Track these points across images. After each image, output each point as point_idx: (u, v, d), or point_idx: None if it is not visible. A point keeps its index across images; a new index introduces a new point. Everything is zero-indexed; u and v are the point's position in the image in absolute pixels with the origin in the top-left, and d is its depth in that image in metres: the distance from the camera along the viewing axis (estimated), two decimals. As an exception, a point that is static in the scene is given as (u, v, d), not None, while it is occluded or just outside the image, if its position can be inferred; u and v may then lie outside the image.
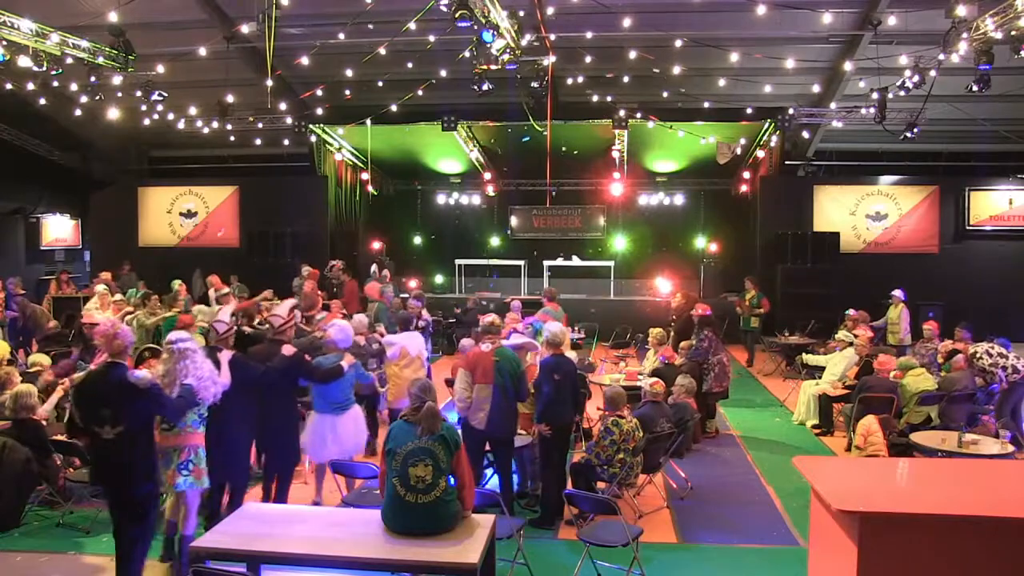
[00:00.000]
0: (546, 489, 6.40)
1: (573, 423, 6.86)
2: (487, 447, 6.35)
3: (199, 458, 5.18)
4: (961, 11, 9.76)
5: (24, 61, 10.85)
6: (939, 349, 9.86)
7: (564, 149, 17.47)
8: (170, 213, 18.61)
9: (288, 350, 6.12)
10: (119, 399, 4.49)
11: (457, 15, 8.73)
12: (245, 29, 12.19)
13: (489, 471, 6.69)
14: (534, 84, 12.98)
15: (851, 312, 11.34)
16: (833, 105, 15.03)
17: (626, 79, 14.44)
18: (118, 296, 11.55)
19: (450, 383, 9.04)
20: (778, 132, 15.91)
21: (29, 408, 6.43)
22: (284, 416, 6.11)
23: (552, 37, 12.61)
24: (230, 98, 14.49)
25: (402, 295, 12.82)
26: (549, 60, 12.86)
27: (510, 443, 6.36)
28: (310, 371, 6.14)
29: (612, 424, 6.33)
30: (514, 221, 21.49)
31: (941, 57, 11.06)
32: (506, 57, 10.80)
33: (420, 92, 14.10)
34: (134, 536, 4.63)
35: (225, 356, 5.56)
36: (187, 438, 5.15)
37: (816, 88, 15.24)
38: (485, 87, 12.23)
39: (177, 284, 11.54)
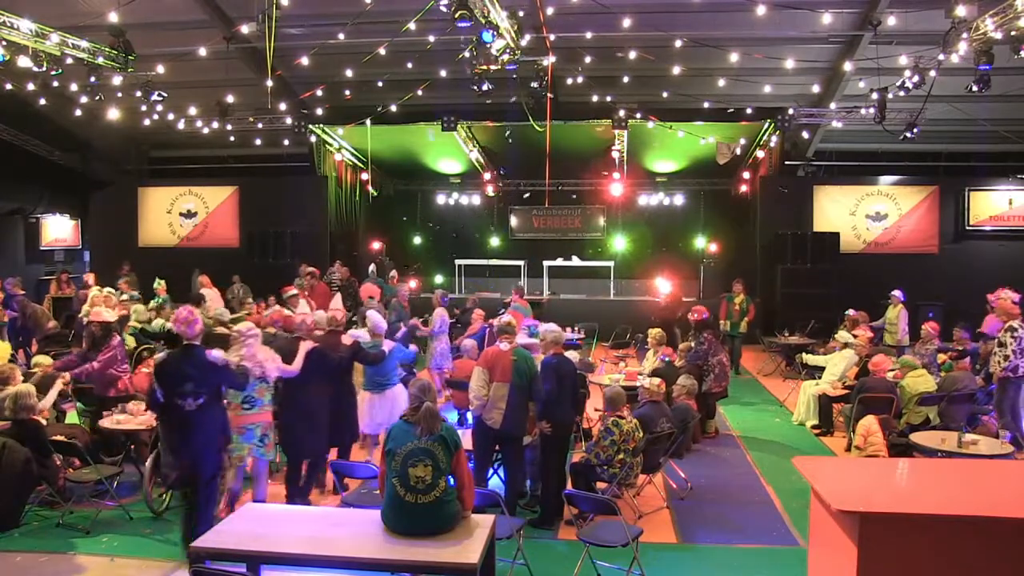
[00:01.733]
0: (546, 489, 6.41)
1: (573, 423, 6.86)
2: (497, 446, 6.37)
3: (270, 435, 6.16)
4: (961, 11, 9.77)
5: (24, 61, 10.84)
6: (941, 354, 9.85)
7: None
8: (170, 213, 18.62)
9: (348, 340, 7.15)
10: (200, 374, 5.24)
11: (457, 15, 8.73)
12: (245, 29, 12.19)
13: (489, 471, 6.70)
14: (534, 84, 12.98)
15: (851, 312, 11.33)
16: (833, 105, 15.02)
17: (626, 79, 14.44)
18: (124, 296, 11.56)
19: (450, 384, 9.07)
20: (778, 132, 15.91)
21: (29, 408, 6.42)
22: (349, 396, 7.16)
23: (552, 37, 12.60)
24: (230, 98, 14.49)
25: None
26: (549, 60, 12.86)
27: (519, 440, 6.38)
28: (365, 356, 7.13)
29: (612, 424, 6.34)
30: (514, 221, 21.49)
31: (941, 57, 11.06)
32: (506, 57, 10.81)
33: (420, 92, 14.10)
34: (208, 492, 5.38)
35: (305, 346, 6.50)
36: (262, 417, 6.11)
37: (816, 88, 15.23)
38: (485, 87, 12.23)
39: (157, 284, 11.67)
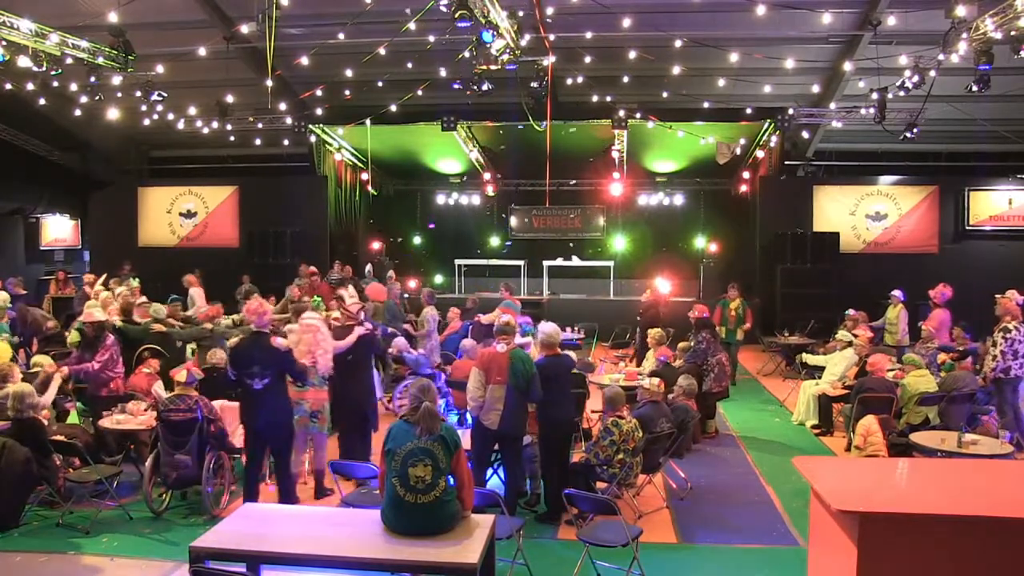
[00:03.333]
0: (551, 485, 6.40)
1: (570, 422, 6.83)
2: (496, 446, 6.38)
3: (325, 410, 6.93)
4: (961, 11, 9.76)
5: (24, 61, 10.83)
6: (942, 354, 9.84)
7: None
8: (170, 213, 18.62)
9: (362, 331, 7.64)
10: (265, 358, 6.02)
11: (457, 15, 8.73)
12: (245, 29, 12.20)
13: (488, 471, 6.70)
14: (534, 84, 12.98)
15: (851, 312, 11.33)
16: (833, 105, 15.03)
17: (626, 79, 14.44)
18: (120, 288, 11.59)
19: (450, 384, 9.07)
20: (778, 132, 15.91)
21: (28, 408, 6.41)
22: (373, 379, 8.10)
23: (552, 37, 12.60)
24: (230, 98, 14.48)
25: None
26: (549, 60, 12.86)
27: (519, 440, 6.38)
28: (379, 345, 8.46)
29: (612, 424, 6.34)
30: (514, 221, 21.49)
31: (941, 57, 11.05)
32: (506, 57, 10.81)
33: (420, 92, 14.10)
34: (283, 457, 6.23)
35: (358, 331, 7.38)
36: (317, 394, 6.84)
37: (816, 88, 15.24)
38: (485, 87, 12.23)
39: (135, 282, 11.76)
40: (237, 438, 7.07)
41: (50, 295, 14.07)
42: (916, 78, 11.81)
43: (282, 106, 15.63)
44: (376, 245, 19.10)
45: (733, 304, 12.30)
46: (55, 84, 12.92)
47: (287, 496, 6.23)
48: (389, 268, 16.83)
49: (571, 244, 20.52)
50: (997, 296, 8.46)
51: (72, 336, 9.53)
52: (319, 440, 6.94)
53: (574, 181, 20.36)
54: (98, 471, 6.51)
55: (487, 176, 20.15)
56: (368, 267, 16.74)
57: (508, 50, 10.71)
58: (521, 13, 11.50)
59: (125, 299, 9.40)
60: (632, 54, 12.90)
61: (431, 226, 21.91)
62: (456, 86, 12.55)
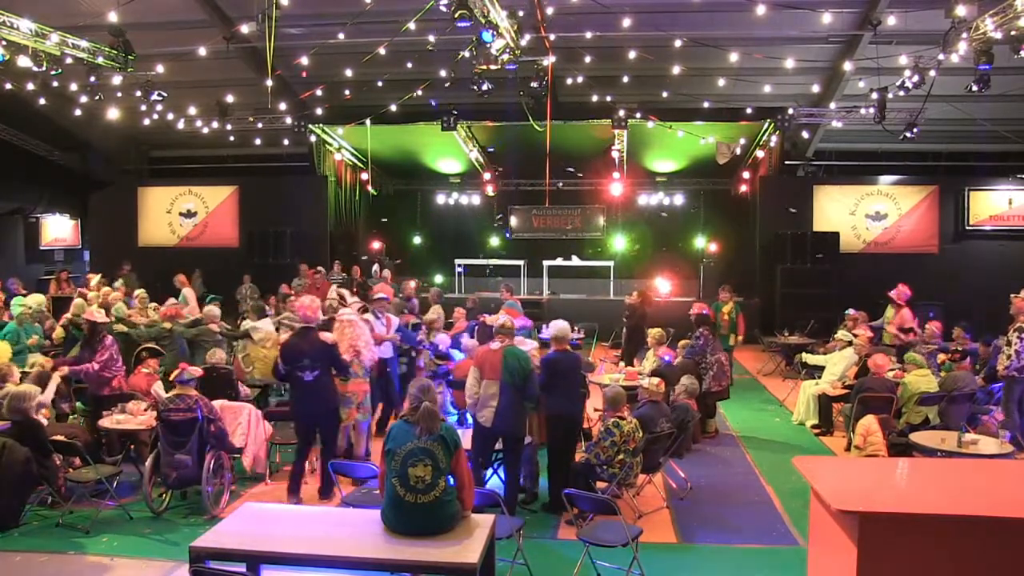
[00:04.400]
0: (554, 480, 6.46)
1: (575, 416, 6.85)
2: (497, 445, 6.40)
3: (367, 400, 7.45)
4: (961, 11, 9.76)
5: (24, 61, 10.84)
6: (942, 354, 9.85)
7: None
8: (170, 213, 18.62)
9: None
10: (314, 351, 6.51)
11: (457, 15, 8.73)
12: (245, 29, 12.19)
13: (488, 471, 6.71)
14: (534, 84, 12.98)
15: (850, 312, 11.33)
16: (833, 105, 15.03)
17: (626, 79, 14.44)
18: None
19: (451, 384, 9.08)
20: (778, 132, 15.92)
21: (27, 408, 6.41)
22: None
23: (552, 37, 12.60)
24: (230, 98, 14.49)
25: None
26: (549, 60, 12.86)
27: (520, 440, 6.39)
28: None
29: (613, 425, 6.34)
30: (514, 221, 21.48)
31: (941, 57, 11.06)
32: (506, 57, 10.81)
33: (420, 92, 14.10)
34: (331, 445, 6.74)
35: (395, 322, 8.42)
36: (360, 386, 7.34)
37: (816, 88, 15.24)
38: (485, 87, 12.22)
39: (119, 283, 11.86)
40: (237, 438, 7.08)
41: (50, 295, 14.06)
42: (916, 78, 11.81)
43: (282, 106, 15.64)
44: (376, 245, 19.10)
45: (726, 308, 11.32)
46: (55, 84, 12.93)
47: (330, 483, 6.56)
48: (384, 268, 16.82)
49: (569, 244, 20.52)
50: (1013, 296, 8.46)
51: (57, 332, 9.66)
52: (362, 427, 7.47)
53: (572, 168, 20.08)
54: (98, 471, 6.51)
55: (487, 176, 20.14)
56: (375, 267, 16.74)
57: (508, 50, 10.71)
58: (521, 13, 11.50)
59: (104, 299, 9.56)
60: (632, 54, 12.91)
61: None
62: (447, 85, 12.53)
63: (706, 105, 15.30)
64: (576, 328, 13.24)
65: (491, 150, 18.33)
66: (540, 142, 15.74)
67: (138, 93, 13.15)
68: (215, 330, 9.21)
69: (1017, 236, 16.34)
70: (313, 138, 17.30)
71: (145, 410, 7.17)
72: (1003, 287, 8.92)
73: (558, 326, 6.80)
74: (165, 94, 13.18)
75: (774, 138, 16.56)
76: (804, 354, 10.96)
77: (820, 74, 14.78)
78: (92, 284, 11.61)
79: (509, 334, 6.54)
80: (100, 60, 11.63)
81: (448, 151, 19.13)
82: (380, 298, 9.11)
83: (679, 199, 20.66)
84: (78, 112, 14.54)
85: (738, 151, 17.50)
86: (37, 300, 9.98)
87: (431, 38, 11.78)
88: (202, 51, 12.25)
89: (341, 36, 12.11)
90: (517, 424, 6.30)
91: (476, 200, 21.36)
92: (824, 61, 14.18)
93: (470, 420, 6.71)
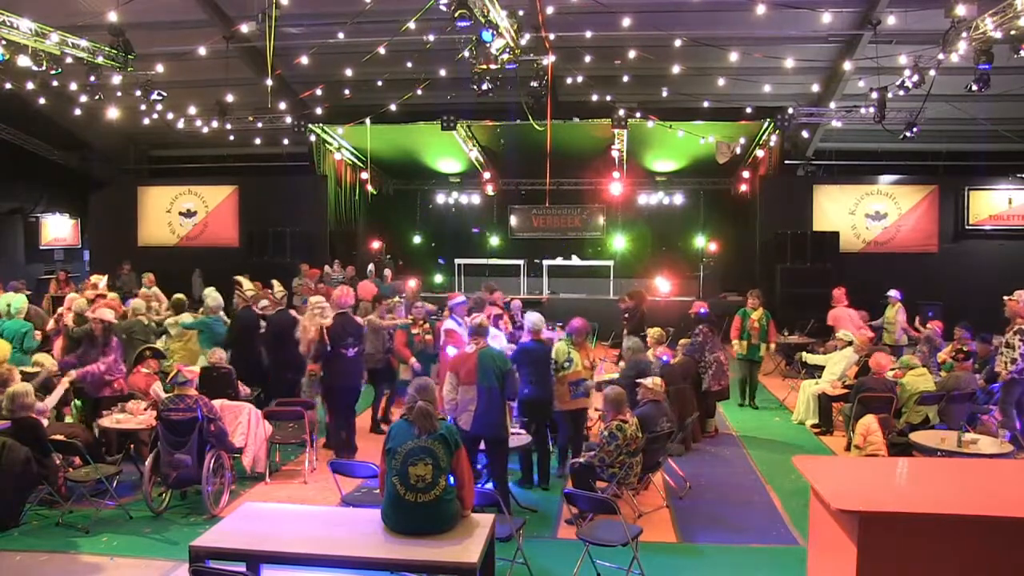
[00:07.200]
0: (541, 450, 7.27)
1: (545, 399, 7.28)
2: (481, 447, 6.39)
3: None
4: (961, 11, 9.76)
5: (24, 61, 10.82)
6: (943, 354, 9.85)
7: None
8: (169, 213, 18.61)
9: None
10: (355, 331, 7.99)
11: (456, 14, 8.72)
12: (245, 29, 12.19)
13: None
14: (534, 84, 12.97)
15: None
16: (833, 105, 15.02)
17: (626, 79, 14.44)
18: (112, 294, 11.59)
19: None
20: (777, 132, 15.90)
21: (27, 407, 6.41)
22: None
23: (552, 37, 12.60)
24: (230, 98, 14.47)
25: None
26: (549, 60, 12.85)
27: (502, 442, 6.37)
28: None
29: (616, 429, 6.32)
30: (514, 221, 21.48)
31: (941, 57, 11.05)
32: (506, 57, 10.80)
33: (420, 92, 14.09)
34: (353, 411, 8.07)
35: (421, 311, 9.71)
36: None
37: (816, 88, 15.23)
38: (485, 87, 12.21)
39: (96, 279, 11.92)
40: (237, 438, 7.08)
41: (50, 295, 14.05)
42: (916, 77, 11.80)
43: (282, 106, 15.62)
44: (376, 244, 19.09)
45: (755, 315, 10.49)
46: (55, 84, 12.91)
47: (350, 444, 7.90)
48: (384, 267, 16.80)
49: (568, 244, 20.51)
50: (1005, 297, 8.45)
51: (49, 324, 9.67)
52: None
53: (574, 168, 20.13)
54: (98, 471, 6.51)
55: (487, 175, 20.14)
56: (370, 267, 16.73)
57: (508, 49, 10.70)
58: (521, 12, 11.48)
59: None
60: (632, 54, 12.91)
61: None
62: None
63: (706, 105, 15.29)
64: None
65: (502, 142, 18.18)
66: (540, 142, 15.73)
67: (138, 93, 13.13)
68: (144, 322, 9.29)
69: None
70: (313, 138, 17.29)
71: (145, 410, 7.17)
72: (1003, 287, 8.92)
73: (532, 319, 7.49)
74: (165, 94, 13.17)
75: (774, 138, 16.55)
76: (804, 353, 10.97)
77: (820, 74, 14.77)
78: (100, 287, 11.48)
79: (484, 335, 6.55)
80: (100, 60, 11.61)
81: (448, 151, 19.12)
82: (459, 303, 9.14)
83: (679, 199, 20.65)
84: (78, 112, 14.52)
85: (738, 151, 17.48)
86: (15, 300, 9.83)
87: (431, 37, 11.78)
88: (202, 51, 12.25)
89: (341, 36, 12.11)
90: (496, 426, 6.27)
91: (476, 200, 21.34)
92: (824, 61, 14.18)
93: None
